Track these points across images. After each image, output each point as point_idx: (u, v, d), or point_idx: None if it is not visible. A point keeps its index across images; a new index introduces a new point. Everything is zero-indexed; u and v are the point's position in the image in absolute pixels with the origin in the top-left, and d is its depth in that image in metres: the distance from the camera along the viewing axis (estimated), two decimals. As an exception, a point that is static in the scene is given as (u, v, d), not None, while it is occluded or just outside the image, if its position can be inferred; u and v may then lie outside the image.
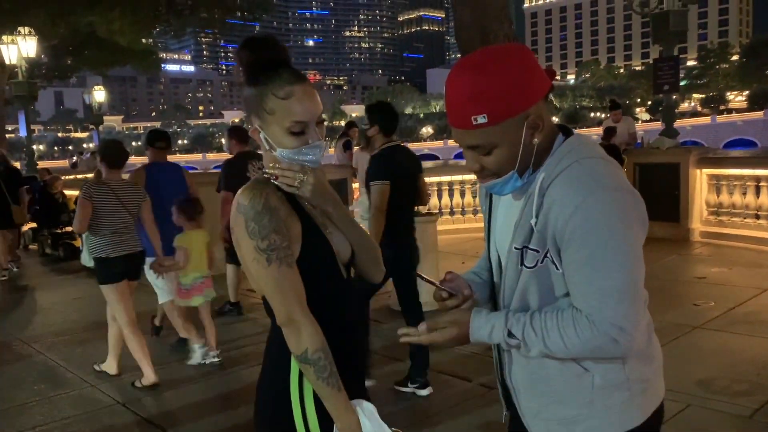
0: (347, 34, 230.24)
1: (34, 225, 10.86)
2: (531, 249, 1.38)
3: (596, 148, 1.43)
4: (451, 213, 10.43)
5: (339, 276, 1.62)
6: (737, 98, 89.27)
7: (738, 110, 78.63)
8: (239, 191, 1.52)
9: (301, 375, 1.52)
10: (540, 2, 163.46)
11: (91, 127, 25.84)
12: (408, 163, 4.16)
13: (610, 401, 1.41)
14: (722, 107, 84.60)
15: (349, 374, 1.55)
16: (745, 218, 8.35)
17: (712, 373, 4.10)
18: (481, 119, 1.31)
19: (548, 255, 1.37)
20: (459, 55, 6.54)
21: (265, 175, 1.56)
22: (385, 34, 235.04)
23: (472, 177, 10.25)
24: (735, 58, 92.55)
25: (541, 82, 1.35)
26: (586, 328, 1.32)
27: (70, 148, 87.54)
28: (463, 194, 10.46)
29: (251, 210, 1.47)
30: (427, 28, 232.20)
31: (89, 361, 4.95)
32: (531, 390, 1.49)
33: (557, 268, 1.37)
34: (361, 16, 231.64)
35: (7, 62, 14.49)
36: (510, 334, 1.38)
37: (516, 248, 1.40)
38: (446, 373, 4.32)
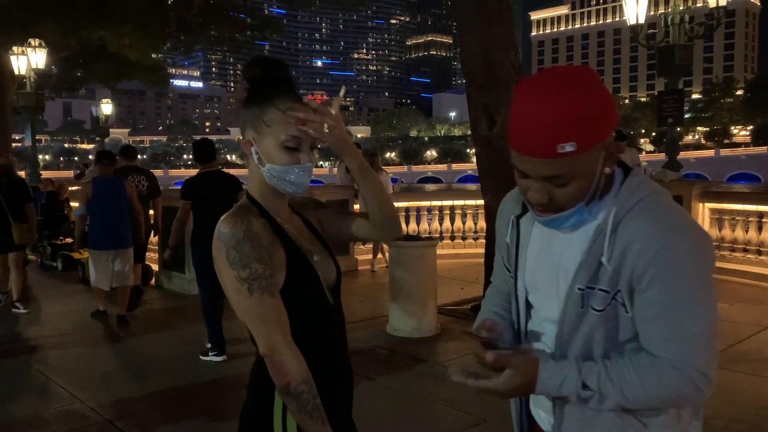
0: (355, 56, 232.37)
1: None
2: (601, 290, 1.26)
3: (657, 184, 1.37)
4: (452, 238, 10.40)
5: (325, 303, 1.58)
6: (741, 132, 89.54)
7: (742, 144, 78.85)
8: (221, 219, 1.48)
9: (284, 407, 1.48)
10: (547, 31, 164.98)
11: (98, 139, 26.00)
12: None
13: None
14: (726, 141, 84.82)
15: (334, 406, 1.51)
16: (746, 254, 8.30)
17: (711, 411, 4.00)
18: (569, 147, 1.18)
19: (617, 297, 1.26)
20: (464, 81, 6.56)
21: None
22: (393, 58, 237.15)
23: (474, 201, 10.25)
24: (740, 92, 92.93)
25: (615, 108, 1.27)
26: (669, 375, 1.22)
27: (76, 159, 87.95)
28: (464, 219, 10.44)
29: (232, 238, 1.43)
30: (434, 53, 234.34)
31: (81, 376, 4.90)
32: None
33: (626, 312, 1.26)
34: (370, 39, 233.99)
35: (16, 73, 14.61)
36: (584, 386, 1.25)
37: (579, 289, 1.28)
38: (442, 403, 4.25)
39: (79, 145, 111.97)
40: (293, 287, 1.49)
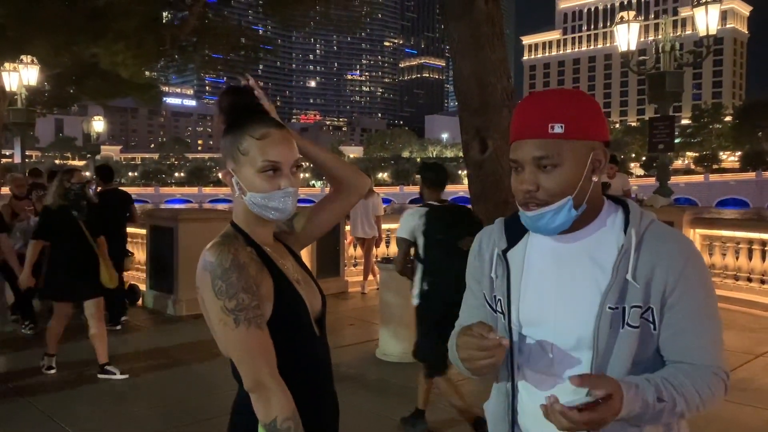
0: (349, 77, 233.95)
1: None
2: (634, 306, 1.32)
3: None
4: (443, 260, 10.35)
5: (312, 334, 1.54)
6: (730, 158, 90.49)
7: (730, 170, 79.67)
8: (206, 247, 1.44)
9: None
10: (539, 55, 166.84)
11: (88, 155, 25.93)
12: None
13: None
14: (715, 166, 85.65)
15: None
16: (737, 280, 8.31)
17: (704, 442, 3.98)
18: (558, 128, 1.31)
19: (645, 315, 1.33)
20: (457, 104, 6.59)
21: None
22: (386, 79, 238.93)
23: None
24: (728, 118, 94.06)
25: (605, 123, 1.40)
26: (711, 378, 1.33)
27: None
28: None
29: (218, 267, 1.38)
30: (427, 75, 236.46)
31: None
32: None
33: (654, 329, 1.34)
34: (364, 61, 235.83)
35: (7, 89, 14.56)
36: (659, 399, 1.28)
37: (610, 308, 1.32)
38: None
39: (70, 162, 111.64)
40: (280, 318, 1.45)
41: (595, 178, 1.35)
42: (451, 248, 3.78)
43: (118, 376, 5.27)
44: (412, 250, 4.10)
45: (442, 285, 3.81)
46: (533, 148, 1.33)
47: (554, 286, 1.39)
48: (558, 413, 1.17)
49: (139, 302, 8.45)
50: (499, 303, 1.46)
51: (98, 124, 23.34)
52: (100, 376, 5.28)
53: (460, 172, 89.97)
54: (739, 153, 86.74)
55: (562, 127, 1.30)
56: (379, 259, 8.13)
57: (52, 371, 5.41)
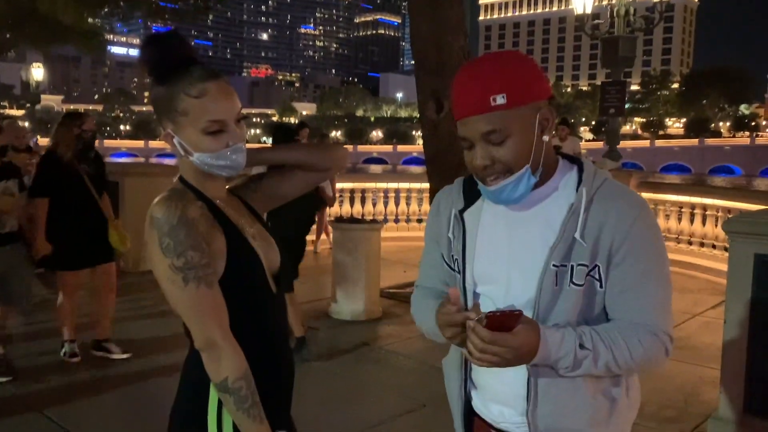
0: (302, 30, 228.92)
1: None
2: (580, 264, 1.32)
3: None
4: (396, 220, 10.40)
5: (268, 291, 1.50)
6: (675, 125, 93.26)
7: (675, 136, 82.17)
8: (154, 202, 1.36)
9: (220, 405, 1.40)
10: (495, 16, 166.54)
11: (28, 105, 24.85)
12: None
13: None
14: (661, 132, 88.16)
15: (273, 401, 1.44)
16: (678, 243, 8.62)
17: (641, 397, 4.16)
18: (500, 99, 1.27)
19: (593, 272, 1.33)
20: (413, 62, 6.52)
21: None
22: (341, 35, 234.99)
23: (419, 185, 10.27)
24: (675, 86, 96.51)
25: (546, 80, 1.37)
26: (648, 339, 1.32)
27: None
28: (408, 202, 10.44)
29: (166, 224, 1.32)
30: (383, 32, 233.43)
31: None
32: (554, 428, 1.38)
33: (600, 287, 1.34)
34: (318, 14, 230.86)
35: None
36: (581, 346, 1.29)
37: (554, 265, 1.32)
38: (382, 387, 4.23)
39: (8, 111, 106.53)
40: (234, 275, 1.41)
41: (545, 138, 1.33)
42: None
43: (117, 356, 4.67)
44: None
45: (281, 224, 4.59)
46: (480, 124, 1.30)
47: (507, 245, 1.40)
48: (471, 330, 1.24)
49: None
50: (456, 262, 1.47)
51: (37, 72, 22.29)
52: (95, 353, 4.71)
53: (414, 132, 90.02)
54: (684, 120, 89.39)
55: (504, 97, 1.27)
56: (332, 219, 8.09)
57: (76, 359, 4.58)
